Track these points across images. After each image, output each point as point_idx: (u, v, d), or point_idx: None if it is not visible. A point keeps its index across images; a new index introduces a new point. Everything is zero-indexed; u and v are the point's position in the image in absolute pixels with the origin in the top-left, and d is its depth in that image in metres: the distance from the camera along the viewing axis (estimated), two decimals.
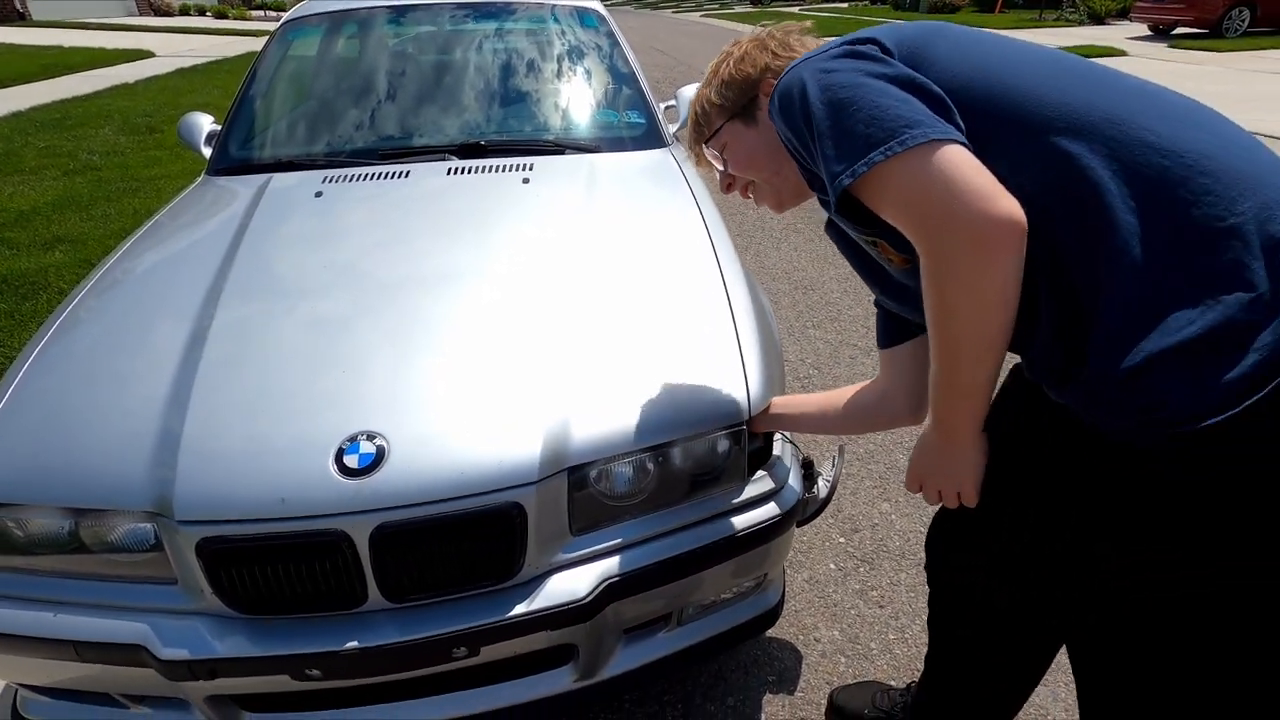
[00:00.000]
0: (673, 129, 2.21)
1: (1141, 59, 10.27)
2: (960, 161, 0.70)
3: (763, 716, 1.45)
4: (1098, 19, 15.85)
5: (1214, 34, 11.93)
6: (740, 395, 1.19)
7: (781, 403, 1.21)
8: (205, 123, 2.22)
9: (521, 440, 1.07)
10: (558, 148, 1.94)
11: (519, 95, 2.13)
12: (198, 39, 14.83)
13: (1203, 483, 0.68)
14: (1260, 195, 0.67)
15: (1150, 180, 0.69)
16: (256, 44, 14.14)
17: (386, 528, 1.01)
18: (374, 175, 1.77)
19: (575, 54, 2.26)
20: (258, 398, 1.12)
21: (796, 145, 0.84)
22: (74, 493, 1.05)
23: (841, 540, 1.88)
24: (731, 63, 1.01)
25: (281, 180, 1.80)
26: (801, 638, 1.62)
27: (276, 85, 2.15)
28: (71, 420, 1.13)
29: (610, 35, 2.35)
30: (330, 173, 1.80)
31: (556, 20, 2.32)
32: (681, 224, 1.59)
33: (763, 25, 1.04)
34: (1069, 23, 15.82)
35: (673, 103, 2.38)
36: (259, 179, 1.83)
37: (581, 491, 1.12)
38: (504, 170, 1.79)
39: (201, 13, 21.40)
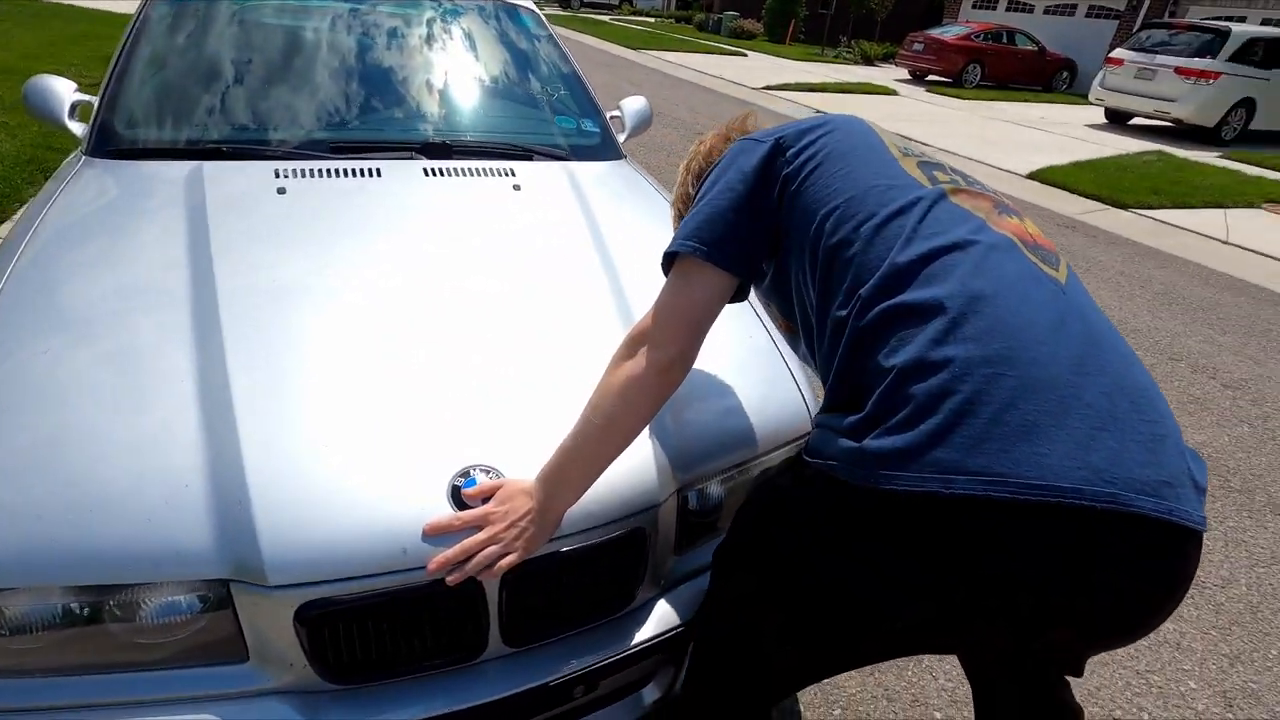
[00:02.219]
0: (621, 139, 2.22)
1: (908, 99, 12.08)
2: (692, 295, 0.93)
3: None
4: (869, 61, 18.31)
5: (956, 83, 14.39)
6: (799, 405, 1.26)
7: None
8: (67, 91, 1.79)
9: (640, 464, 1.05)
10: (526, 153, 1.86)
11: (479, 95, 2.00)
12: None
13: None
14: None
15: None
16: None
17: (519, 568, 0.94)
18: (338, 172, 1.57)
19: (526, 57, 2.17)
20: (323, 432, 0.97)
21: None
22: (99, 566, 0.83)
23: None
24: (701, 156, 1.15)
25: (220, 170, 1.52)
26: None
27: (179, 54, 1.80)
28: (68, 471, 0.88)
29: (553, 40, 2.29)
30: (281, 165, 1.56)
31: (501, 18, 2.21)
32: None
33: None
34: (846, 61, 18.08)
35: (617, 112, 2.39)
36: (181, 167, 1.53)
37: (682, 512, 1.12)
38: (488, 174, 1.69)
39: None
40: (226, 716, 0.87)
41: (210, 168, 1.53)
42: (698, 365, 1.25)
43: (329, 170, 1.57)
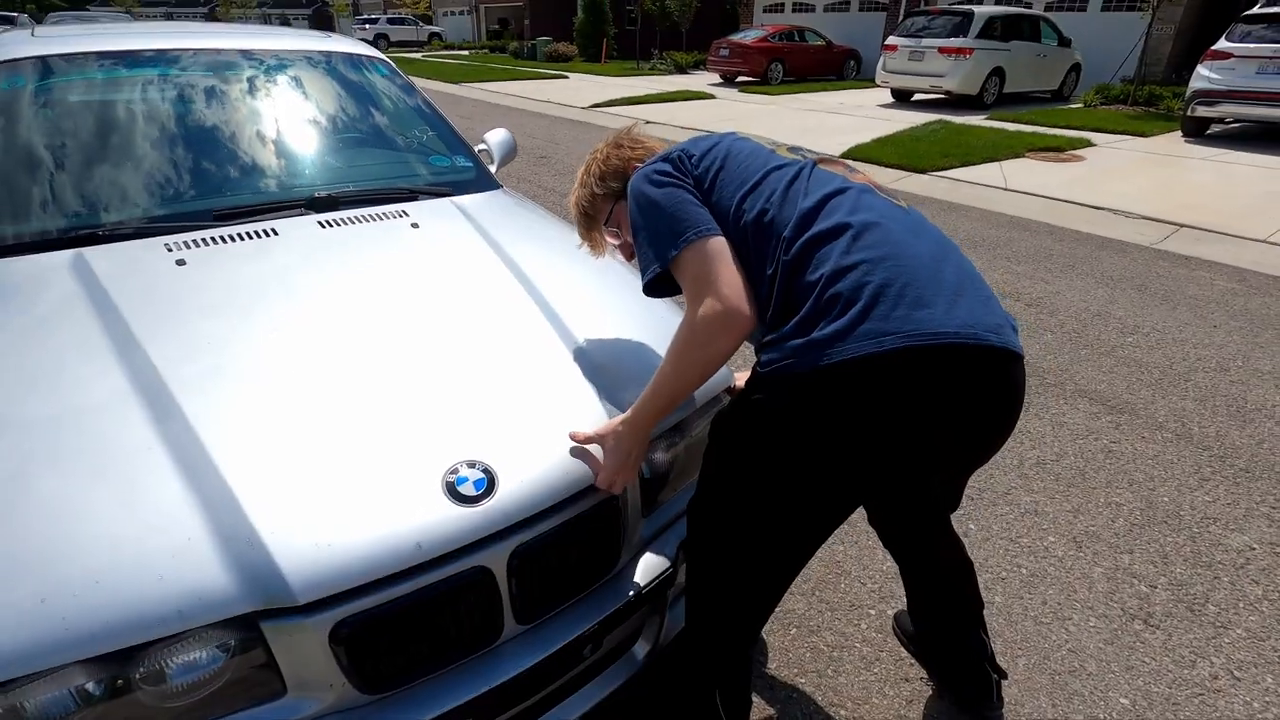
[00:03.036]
0: (492, 169, 2.36)
1: (726, 101, 12.99)
2: (714, 255, 1.08)
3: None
4: (681, 69, 19.42)
5: (763, 81, 15.64)
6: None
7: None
8: None
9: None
10: (411, 194, 1.95)
11: (352, 145, 2.05)
12: None
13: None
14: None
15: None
16: None
17: (521, 549, 1.06)
18: (231, 237, 1.59)
19: (389, 104, 2.24)
20: (309, 461, 1.03)
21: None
22: (118, 631, 0.86)
23: None
24: (600, 161, 1.36)
25: (104, 254, 1.49)
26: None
27: (19, 137, 1.71)
28: (61, 557, 0.89)
29: (410, 87, 2.38)
30: (169, 239, 1.55)
31: (356, 69, 2.26)
32: (582, 251, 1.79)
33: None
34: (661, 72, 19.05)
35: (483, 146, 2.51)
36: (57, 256, 1.48)
37: (641, 479, 1.28)
38: (383, 218, 1.76)
39: None
40: None
41: (93, 252, 1.50)
42: (626, 347, 1.43)
43: (221, 237, 1.58)
